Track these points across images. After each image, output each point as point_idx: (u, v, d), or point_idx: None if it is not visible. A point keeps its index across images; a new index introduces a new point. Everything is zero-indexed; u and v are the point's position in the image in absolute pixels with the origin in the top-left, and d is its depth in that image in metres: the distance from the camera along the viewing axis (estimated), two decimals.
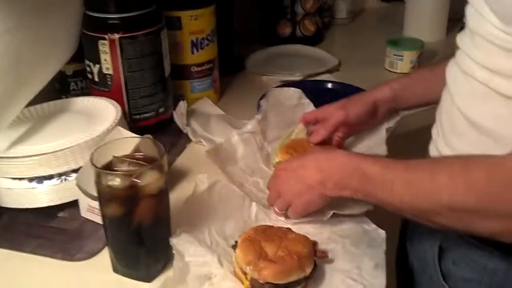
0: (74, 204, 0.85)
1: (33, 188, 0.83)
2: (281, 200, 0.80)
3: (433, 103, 0.79)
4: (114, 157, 0.70)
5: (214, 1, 1.14)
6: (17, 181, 0.83)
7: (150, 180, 0.67)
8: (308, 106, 1.09)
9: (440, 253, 0.73)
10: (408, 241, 0.84)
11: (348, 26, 1.78)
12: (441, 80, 0.74)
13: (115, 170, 0.68)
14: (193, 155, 1.02)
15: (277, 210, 0.82)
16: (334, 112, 0.92)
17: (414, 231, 0.82)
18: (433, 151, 0.76)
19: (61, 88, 1.11)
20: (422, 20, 1.61)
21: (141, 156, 0.71)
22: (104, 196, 0.68)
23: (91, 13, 0.97)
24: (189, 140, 1.06)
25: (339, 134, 0.93)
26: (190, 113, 1.11)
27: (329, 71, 1.38)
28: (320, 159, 0.76)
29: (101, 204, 0.70)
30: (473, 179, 0.57)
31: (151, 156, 0.71)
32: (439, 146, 0.74)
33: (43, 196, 0.83)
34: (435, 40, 1.57)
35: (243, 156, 0.98)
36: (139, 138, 0.74)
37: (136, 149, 0.73)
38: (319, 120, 0.94)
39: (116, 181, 0.67)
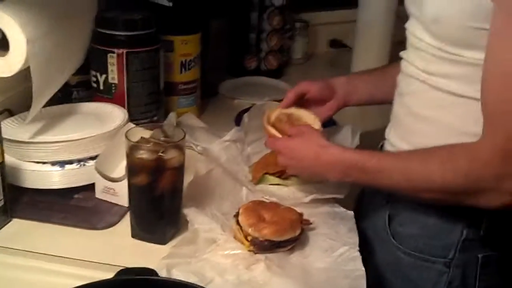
0: (87, 187, 0.98)
1: (55, 171, 0.96)
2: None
3: (379, 98, 1.05)
4: (142, 137, 0.85)
5: (200, 30, 1.34)
6: (40, 164, 0.96)
7: (173, 155, 0.83)
8: None
9: (389, 220, 0.94)
10: (361, 218, 1.01)
11: (302, 65, 2.01)
12: (383, 77, 0.99)
13: None
14: None
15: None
16: (301, 83, 1.12)
17: (367, 209, 1.02)
18: (387, 145, 0.97)
19: (62, 96, 1.24)
20: (367, 62, 1.85)
21: (162, 139, 0.87)
22: (135, 167, 0.83)
23: (102, 30, 1.13)
24: None
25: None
26: (177, 124, 1.27)
27: None
28: (320, 154, 0.89)
29: (130, 175, 0.84)
30: (459, 165, 0.76)
31: (169, 139, 0.87)
32: (392, 141, 0.95)
33: (64, 178, 0.96)
34: None
35: (226, 161, 1.14)
36: (161, 125, 0.90)
37: (156, 135, 0.89)
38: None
39: (145, 154, 0.82)
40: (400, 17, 0.96)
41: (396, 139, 0.93)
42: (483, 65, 0.73)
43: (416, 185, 0.80)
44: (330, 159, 0.88)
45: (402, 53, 0.93)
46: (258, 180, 1.07)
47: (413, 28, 0.88)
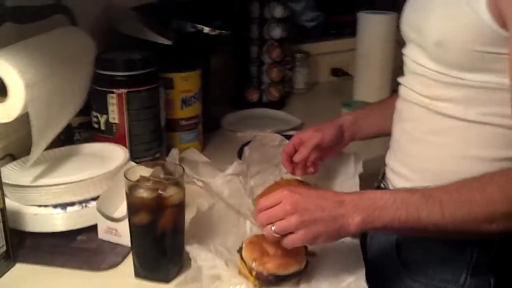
0: (90, 229, 0.98)
1: (57, 213, 0.95)
2: (285, 223, 0.75)
3: (383, 133, 1.02)
4: (141, 176, 0.85)
5: (200, 66, 1.35)
6: (42, 208, 0.96)
7: (172, 192, 0.83)
8: None
9: (396, 247, 0.91)
10: (367, 246, 1.00)
11: (305, 95, 2.02)
12: (388, 112, 0.96)
13: None
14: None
15: (269, 231, 0.78)
16: (311, 134, 1.05)
17: (373, 237, 1.00)
18: (388, 172, 0.96)
19: (65, 138, 1.24)
20: (368, 88, 1.86)
21: (162, 177, 0.87)
22: (134, 206, 0.83)
23: (102, 71, 1.15)
24: None
25: (313, 157, 1.06)
26: (180, 160, 1.27)
27: (294, 129, 1.58)
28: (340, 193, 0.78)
29: (130, 214, 0.84)
30: None
31: (169, 176, 0.87)
32: (393, 166, 0.94)
33: (66, 220, 0.96)
34: None
35: (229, 195, 1.13)
36: (162, 162, 0.89)
37: (156, 172, 0.88)
38: (297, 147, 1.06)
39: (144, 193, 0.82)
40: (400, 43, 0.95)
41: (398, 165, 0.92)
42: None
43: (475, 216, 0.72)
44: (353, 197, 0.76)
45: (400, 79, 0.93)
46: None
47: (412, 54, 0.88)
